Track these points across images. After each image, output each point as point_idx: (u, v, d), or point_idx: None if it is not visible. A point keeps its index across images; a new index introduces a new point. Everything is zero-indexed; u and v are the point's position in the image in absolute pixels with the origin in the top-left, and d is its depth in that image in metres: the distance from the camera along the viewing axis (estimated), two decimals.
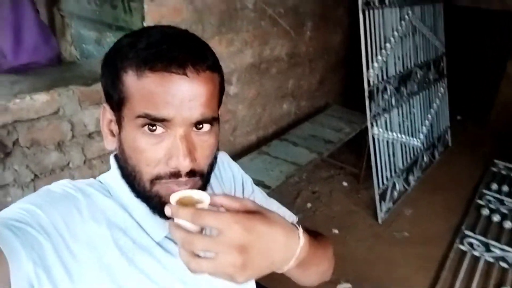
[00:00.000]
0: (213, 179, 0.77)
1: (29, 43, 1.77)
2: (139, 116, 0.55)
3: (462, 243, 2.47)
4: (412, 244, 2.48)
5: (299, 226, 0.59)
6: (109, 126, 0.63)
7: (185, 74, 0.54)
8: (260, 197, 0.85)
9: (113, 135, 0.63)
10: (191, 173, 0.57)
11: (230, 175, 0.81)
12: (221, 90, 0.63)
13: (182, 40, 0.57)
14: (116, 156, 0.66)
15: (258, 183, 2.12)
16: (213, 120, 0.59)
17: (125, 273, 0.59)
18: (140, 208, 0.63)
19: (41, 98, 1.53)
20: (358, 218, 2.70)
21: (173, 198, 0.54)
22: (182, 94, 0.54)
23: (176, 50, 0.54)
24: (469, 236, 2.54)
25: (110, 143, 0.63)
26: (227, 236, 0.47)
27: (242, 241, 0.48)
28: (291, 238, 0.55)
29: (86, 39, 2.11)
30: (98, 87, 1.63)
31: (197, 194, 0.56)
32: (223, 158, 0.82)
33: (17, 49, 1.74)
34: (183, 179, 0.57)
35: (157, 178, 0.58)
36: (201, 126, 0.58)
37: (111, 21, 1.92)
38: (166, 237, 0.64)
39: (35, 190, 1.56)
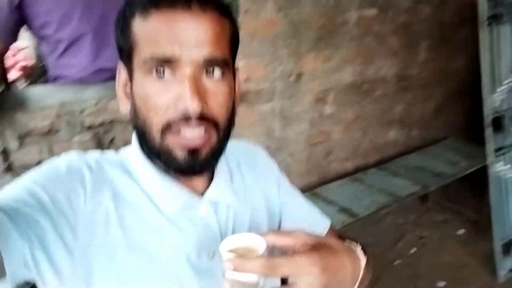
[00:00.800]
0: (246, 168, 0.74)
1: None
2: (145, 61, 0.55)
3: None
4: None
5: (356, 245, 0.59)
6: (124, 88, 0.63)
7: (190, 10, 0.53)
8: (298, 198, 0.81)
9: (128, 97, 0.62)
10: (203, 118, 0.55)
11: (267, 169, 0.79)
12: (233, 38, 0.60)
13: None
14: None
15: (343, 209, 1.93)
16: (225, 65, 0.57)
17: (127, 253, 0.57)
18: (153, 177, 0.61)
19: None
20: (472, 273, 2.29)
21: (223, 248, 0.50)
22: (187, 31, 0.53)
23: None
24: None
25: (125, 105, 0.63)
26: (307, 282, 0.48)
27: (322, 283, 0.48)
28: (355, 263, 0.56)
29: None
30: None
31: (246, 238, 0.52)
32: (261, 149, 0.81)
33: None
34: (194, 121, 0.54)
35: (168, 127, 0.56)
36: (211, 70, 0.56)
37: None
38: (178, 212, 0.61)
39: None
